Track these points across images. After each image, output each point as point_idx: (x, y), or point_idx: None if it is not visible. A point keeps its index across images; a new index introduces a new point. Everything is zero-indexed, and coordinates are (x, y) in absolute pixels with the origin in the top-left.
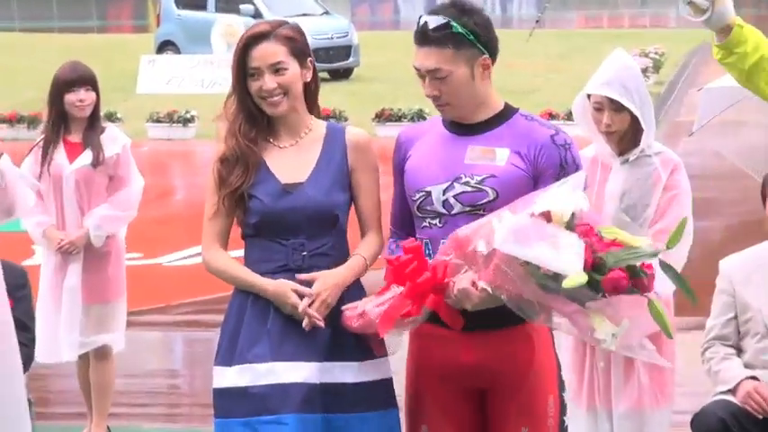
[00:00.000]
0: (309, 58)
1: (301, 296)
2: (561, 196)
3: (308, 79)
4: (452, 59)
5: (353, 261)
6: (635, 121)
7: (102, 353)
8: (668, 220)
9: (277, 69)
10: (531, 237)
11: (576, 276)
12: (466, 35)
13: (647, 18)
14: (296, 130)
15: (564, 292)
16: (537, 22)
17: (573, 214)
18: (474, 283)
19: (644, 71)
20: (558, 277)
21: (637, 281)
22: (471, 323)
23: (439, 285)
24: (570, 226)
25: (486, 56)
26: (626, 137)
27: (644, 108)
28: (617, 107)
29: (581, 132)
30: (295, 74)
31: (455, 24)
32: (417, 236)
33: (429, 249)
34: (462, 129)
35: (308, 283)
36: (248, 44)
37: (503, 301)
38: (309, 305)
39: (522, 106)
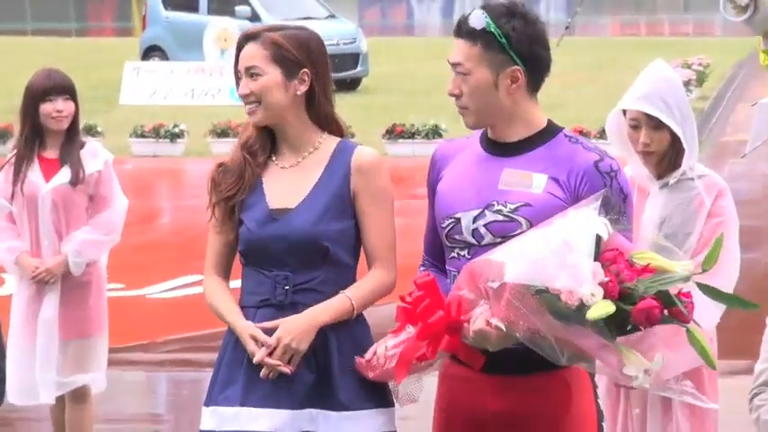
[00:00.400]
0: (304, 70)
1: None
2: (580, 222)
3: (300, 92)
4: (477, 58)
5: (333, 301)
6: (675, 140)
7: (80, 394)
8: None
9: (252, 74)
10: (548, 266)
11: (602, 305)
12: (497, 37)
13: (690, 25)
14: (298, 149)
15: (588, 324)
16: (566, 28)
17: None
18: (489, 322)
19: (686, 84)
20: (582, 308)
21: (672, 310)
22: (501, 367)
23: (453, 324)
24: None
25: (518, 67)
26: (665, 158)
27: (686, 126)
28: (656, 124)
29: (615, 152)
30: (272, 81)
31: (490, 22)
32: (447, 267)
33: None
34: (498, 148)
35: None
36: (240, 44)
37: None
38: (270, 354)
39: None
